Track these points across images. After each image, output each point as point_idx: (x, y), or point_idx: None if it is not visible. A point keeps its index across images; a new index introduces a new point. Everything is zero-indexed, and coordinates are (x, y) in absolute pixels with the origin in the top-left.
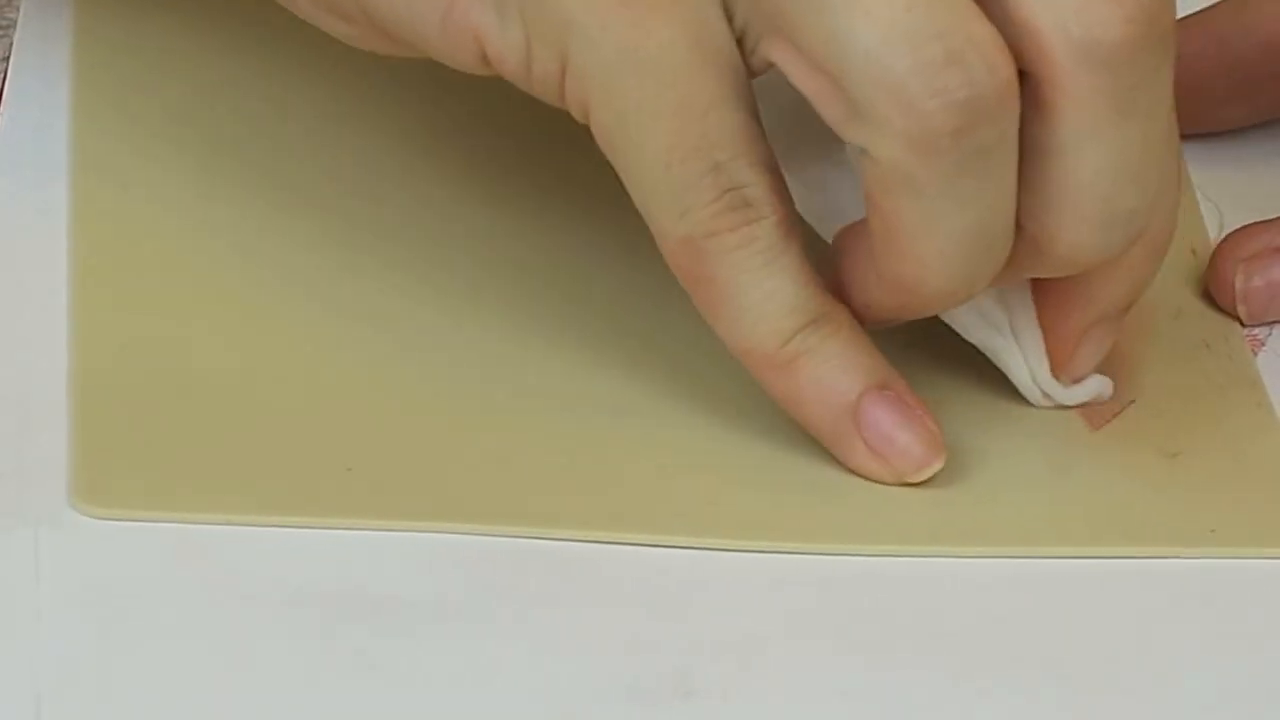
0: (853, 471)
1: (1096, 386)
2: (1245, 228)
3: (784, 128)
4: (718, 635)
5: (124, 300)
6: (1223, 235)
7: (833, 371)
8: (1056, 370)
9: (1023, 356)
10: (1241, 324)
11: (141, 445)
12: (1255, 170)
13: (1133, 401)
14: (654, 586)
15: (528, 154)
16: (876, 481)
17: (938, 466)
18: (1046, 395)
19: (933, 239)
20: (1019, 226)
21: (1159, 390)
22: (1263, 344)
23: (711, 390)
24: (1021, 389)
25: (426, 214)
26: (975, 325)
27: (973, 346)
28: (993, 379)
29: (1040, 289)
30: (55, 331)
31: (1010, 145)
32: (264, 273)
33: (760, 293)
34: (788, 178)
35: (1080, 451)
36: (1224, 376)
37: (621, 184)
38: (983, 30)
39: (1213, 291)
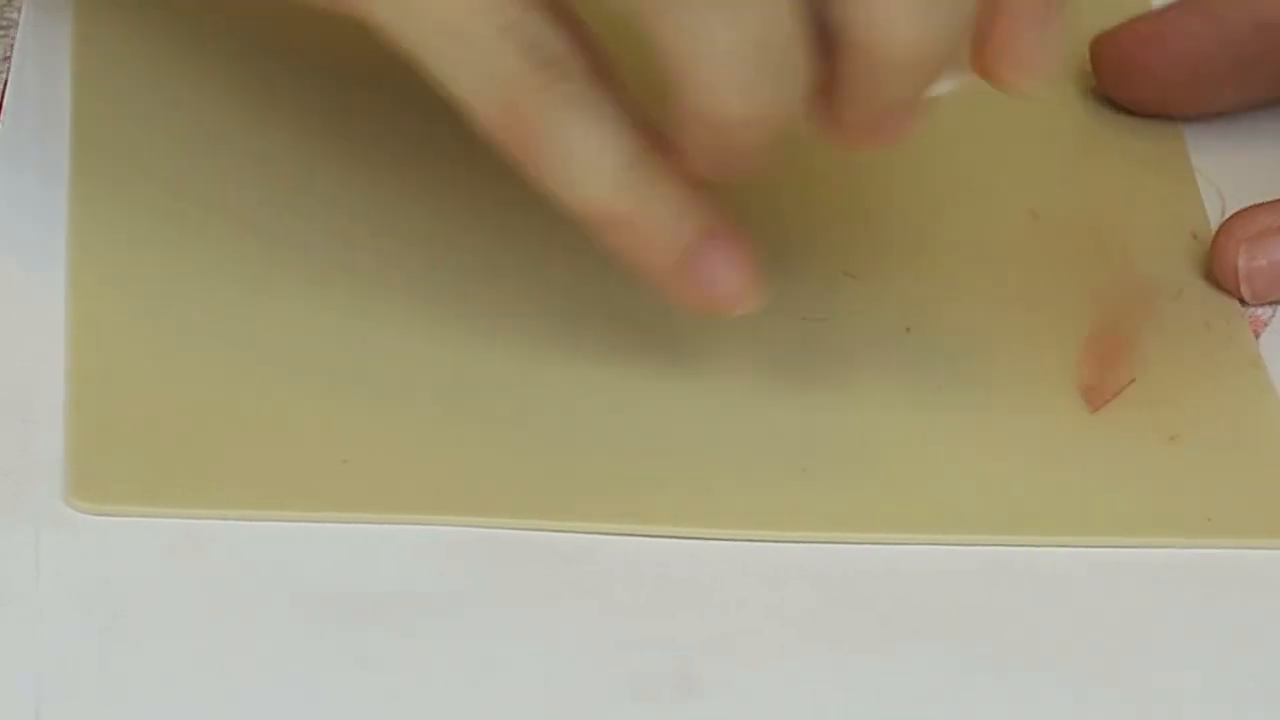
0: (680, 308)
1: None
2: (1247, 209)
3: None
4: (720, 631)
5: (121, 297)
6: (1225, 218)
7: (665, 217)
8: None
9: None
10: (1244, 304)
11: (137, 440)
12: (1256, 152)
13: (1133, 380)
14: (654, 579)
15: None
16: (702, 317)
17: (758, 303)
18: None
19: (711, 58)
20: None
21: (1159, 370)
22: (1266, 324)
23: (710, 382)
24: None
25: (425, 205)
26: None
27: (970, 331)
28: (991, 363)
29: None
30: (55, 331)
31: None
32: (261, 269)
33: (585, 146)
34: None
35: (1079, 433)
36: (1225, 357)
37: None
38: None
39: (1215, 273)
